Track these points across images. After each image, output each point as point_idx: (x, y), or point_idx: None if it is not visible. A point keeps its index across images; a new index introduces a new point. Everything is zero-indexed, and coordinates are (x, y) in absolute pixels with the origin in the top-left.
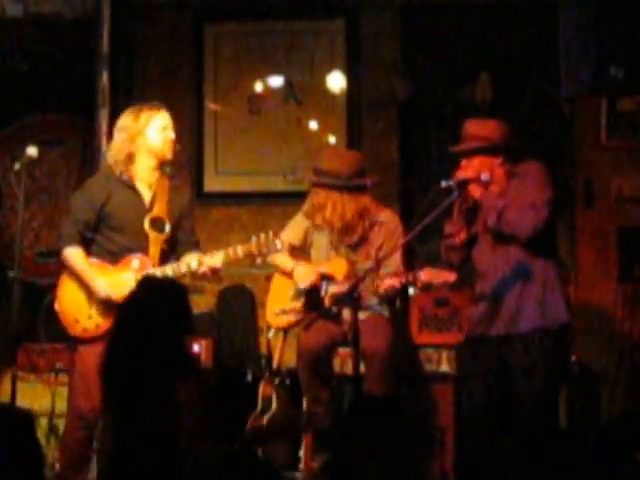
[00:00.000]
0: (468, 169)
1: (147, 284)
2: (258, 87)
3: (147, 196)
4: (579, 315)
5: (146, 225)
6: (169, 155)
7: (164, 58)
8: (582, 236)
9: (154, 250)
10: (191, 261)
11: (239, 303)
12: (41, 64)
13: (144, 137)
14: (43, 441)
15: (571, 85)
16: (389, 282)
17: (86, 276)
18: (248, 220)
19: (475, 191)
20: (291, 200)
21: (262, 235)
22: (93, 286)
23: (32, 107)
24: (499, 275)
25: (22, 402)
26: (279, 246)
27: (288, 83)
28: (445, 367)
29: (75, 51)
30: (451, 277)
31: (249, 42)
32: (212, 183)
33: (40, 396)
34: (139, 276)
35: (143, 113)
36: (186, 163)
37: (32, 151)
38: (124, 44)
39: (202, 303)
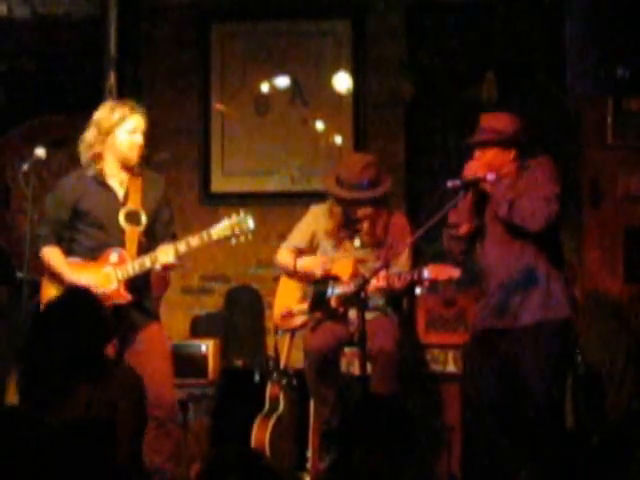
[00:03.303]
0: (477, 165)
1: (62, 296)
2: (265, 88)
3: (119, 191)
4: (585, 314)
5: (121, 219)
6: (133, 160)
7: (171, 59)
8: (588, 236)
9: (130, 244)
10: (144, 261)
11: (247, 304)
12: (48, 65)
13: (113, 137)
14: None
15: (577, 85)
16: (373, 283)
17: (67, 274)
18: (255, 221)
19: (486, 183)
20: (298, 200)
21: (234, 215)
22: (76, 282)
23: (40, 108)
24: (504, 270)
25: None
26: (252, 225)
27: (295, 83)
28: (452, 367)
29: (82, 52)
30: (455, 273)
31: (256, 42)
32: (219, 184)
33: None
34: (119, 270)
35: (117, 112)
36: (193, 164)
37: (40, 152)
38: (131, 45)
39: (210, 304)
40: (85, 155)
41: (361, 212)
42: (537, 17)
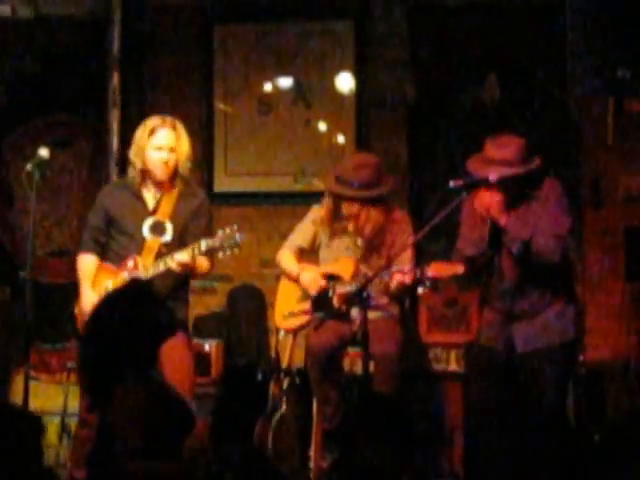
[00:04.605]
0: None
1: (115, 292)
2: (268, 88)
3: (151, 202)
4: (586, 314)
5: (144, 229)
6: (159, 176)
7: (174, 59)
8: (590, 236)
9: (147, 253)
10: (166, 259)
11: (249, 303)
12: (52, 65)
13: (145, 150)
14: (55, 440)
15: (578, 85)
16: (399, 278)
17: (82, 285)
18: (258, 220)
19: (500, 217)
20: (301, 200)
21: (227, 229)
22: (84, 296)
23: (43, 108)
24: (518, 292)
25: (34, 401)
26: (239, 239)
27: (297, 84)
28: (454, 366)
29: (86, 52)
30: (460, 269)
31: (259, 43)
32: (222, 183)
33: (52, 395)
34: (131, 275)
35: (147, 129)
36: (196, 164)
37: (43, 152)
38: (135, 45)
39: (213, 303)
40: (130, 164)
41: (346, 208)
42: (537, 17)
